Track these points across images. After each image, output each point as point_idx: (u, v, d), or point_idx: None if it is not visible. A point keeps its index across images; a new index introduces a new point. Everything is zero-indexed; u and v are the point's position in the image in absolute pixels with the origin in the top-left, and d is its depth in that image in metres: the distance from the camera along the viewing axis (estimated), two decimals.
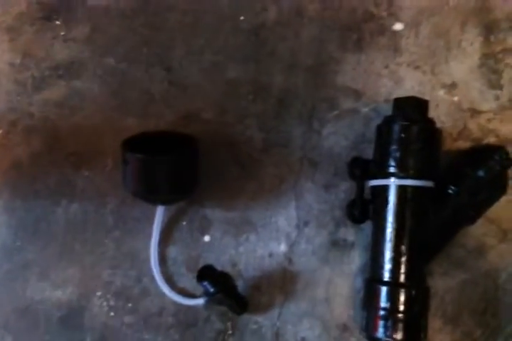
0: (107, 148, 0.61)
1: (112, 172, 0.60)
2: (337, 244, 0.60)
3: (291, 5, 0.63)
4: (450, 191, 0.56)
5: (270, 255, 0.60)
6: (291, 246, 0.60)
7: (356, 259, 0.60)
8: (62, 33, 0.63)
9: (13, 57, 0.63)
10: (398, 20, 0.63)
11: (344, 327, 0.59)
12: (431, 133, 0.56)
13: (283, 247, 0.60)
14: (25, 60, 0.63)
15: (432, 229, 0.55)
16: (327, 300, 0.59)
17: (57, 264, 0.60)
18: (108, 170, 0.61)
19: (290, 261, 0.60)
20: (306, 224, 0.60)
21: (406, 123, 0.55)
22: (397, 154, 0.54)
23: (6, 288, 0.60)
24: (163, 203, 0.57)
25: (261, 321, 0.59)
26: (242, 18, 0.63)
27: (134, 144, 0.54)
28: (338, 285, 0.59)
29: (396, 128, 0.55)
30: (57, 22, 0.63)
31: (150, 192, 0.55)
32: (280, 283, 0.59)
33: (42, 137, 0.62)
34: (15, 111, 0.62)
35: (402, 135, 0.55)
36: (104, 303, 0.59)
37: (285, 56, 0.63)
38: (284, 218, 0.60)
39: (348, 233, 0.60)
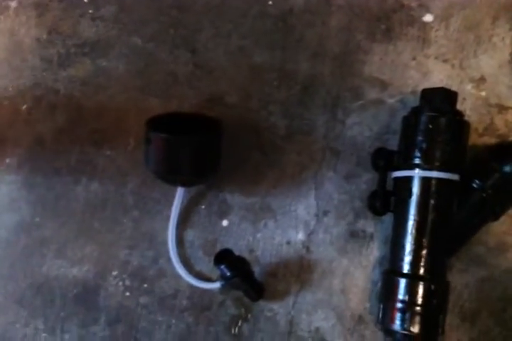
0: (129, 128, 0.61)
1: (134, 152, 0.60)
2: (356, 235, 0.59)
3: None
4: (475, 185, 0.55)
5: (288, 243, 0.59)
6: (310, 234, 0.59)
7: (375, 251, 0.59)
8: (89, 11, 0.63)
9: (40, 33, 0.63)
10: (428, 11, 0.62)
11: (359, 319, 0.58)
12: (459, 125, 0.55)
13: (301, 235, 0.59)
14: (52, 37, 0.63)
15: (455, 223, 0.54)
16: (343, 291, 0.58)
17: (74, 242, 0.60)
18: (130, 150, 0.61)
19: (308, 249, 0.59)
20: (325, 213, 0.60)
21: (434, 114, 0.54)
22: (424, 145, 0.53)
23: (22, 264, 0.60)
24: (183, 184, 0.57)
25: (276, 309, 0.58)
26: (270, 2, 0.63)
27: (158, 124, 0.54)
28: (354, 277, 0.59)
29: (424, 119, 0.54)
30: (85, 0, 0.63)
31: (171, 172, 0.55)
32: (297, 272, 0.59)
33: (65, 114, 0.62)
34: (39, 87, 0.62)
35: (430, 126, 0.54)
36: (120, 283, 0.59)
37: (312, 43, 0.62)
38: (304, 206, 0.60)
39: (368, 224, 0.59)
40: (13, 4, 0.63)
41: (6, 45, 0.63)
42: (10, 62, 0.62)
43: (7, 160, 0.61)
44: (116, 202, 0.60)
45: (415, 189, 0.54)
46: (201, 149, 0.54)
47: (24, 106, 0.62)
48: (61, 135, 0.61)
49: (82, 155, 0.61)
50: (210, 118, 0.57)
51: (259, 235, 0.59)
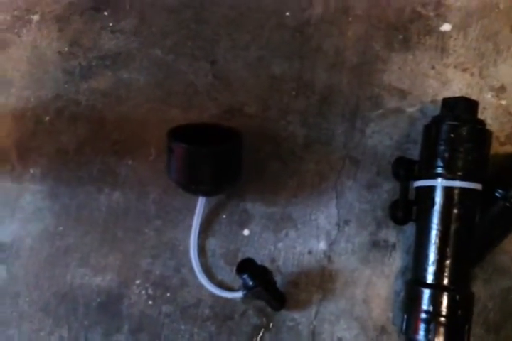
0: (150, 138, 0.61)
1: (155, 162, 0.61)
2: (378, 245, 0.59)
3: (337, 2, 0.63)
4: (498, 195, 0.54)
5: (309, 252, 0.59)
6: (331, 244, 0.59)
7: (397, 261, 0.58)
8: (110, 24, 0.64)
9: (62, 46, 0.64)
10: (446, 21, 0.62)
11: (382, 329, 0.58)
12: (481, 134, 0.55)
13: (322, 245, 0.59)
14: (73, 49, 0.64)
15: (478, 232, 0.54)
16: (365, 300, 0.58)
17: (97, 251, 0.60)
18: (151, 160, 0.61)
19: (329, 259, 0.59)
20: (346, 222, 0.59)
21: (456, 123, 0.54)
22: (446, 155, 0.53)
23: (47, 272, 0.60)
24: (204, 194, 0.57)
25: (298, 318, 0.58)
26: (287, 14, 0.63)
27: (180, 134, 0.54)
28: (377, 286, 0.58)
29: (445, 128, 0.54)
30: (106, 13, 0.64)
31: (192, 182, 0.55)
32: (318, 281, 0.59)
33: (87, 125, 0.62)
34: (62, 98, 0.63)
35: (452, 135, 0.53)
36: (143, 292, 0.59)
37: (330, 53, 0.62)
38: (325, 216, 0.60)
39: (390, 234, 0.59)
40: (36, 18, 0.65)
41: (28, 57, 0.64)
42: (32, 75, 0.64)
43: (31, 170, 0.62)
44: (138, 211, 0.60)
45: (438, 198, 0.53)
46: (222, 159, 0.54)
47: (47, 118, 0.63)
48: (83, 145, 0.62)
49: (104, 165, 0.61)
50: (230, 129, 0.57)
51: (280, 244, 0.59)
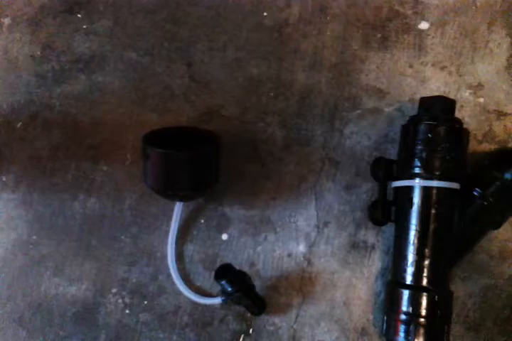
0: (126, 143, 0.60)
1: (131, 168, 0.60)
2: (357, 246, 0.59)
3: (314, 1, 0.62)
4: (476, 193, 0.54)
5: (289, 255, 0.59)
6: (311, 246, 0.59)
7: (376, 262, 0.58)
8: (83, 26, 0.63)
9: (34, 50, 0.63)
10: (424, 19, 0.62)
11: (363, 331, 0.57)
12: (458, 133, 0.54)
13: (302, 247, 0.59)
14: (46, 53, 0.63)
15: (457, 232, 0.54)
16: (346, 303, 0.58)
17: (72, 259, 0.59)
18: (127, 165, 0.60)
19: (309, 262, 0.58)
20: (326, 224, 0.59)
21: (433, 123, 0.53)
22: (423, 155, 0.53)
23: (20, 283, 0.59)
24: (181, 199, 0.56)
25: (278, 323, 0.58)
26: (265, 14, 0.62)
27: (155, 139, 0.53)
28: (357, 288, 0.58)
29: (422, 128, 0.54)
30: (79, 15, 0.63)
31: (169, 188, 0.54)
32: (298, 285, 0.58)
33: (61, 131, 0.61)
34: (34, 103, 0.62)
35: (429, 135, 0.53)
36: (120, 300, 0.58)
37: (308, 54, 0.62)
38: (304, 218, 0.59)
39: (369, 235, 0.59)
40: (7, 21, 0.63)
41: (0, 62, 0.63)
42: (4, 80, 0.62)
43: (3, 178, 0.61)
44: (114, 218, 0.60)
45: (416, 199, 0.53)
46: (199, 164, 0.53)
47: (19, 124, 0.62)
48: (57, 151, 0.61)
49: (78, 171, 0.60)
50: (208, 132, 0.56)
51: (259, 248, 0.59)
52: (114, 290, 0.59)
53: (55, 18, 0.63)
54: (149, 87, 0.62)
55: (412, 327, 0.51)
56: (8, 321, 0.59)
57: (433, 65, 0.61)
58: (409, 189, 0.54)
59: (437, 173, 0.53)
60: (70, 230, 0.59)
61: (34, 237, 0.60)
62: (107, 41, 0.62)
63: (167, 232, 0.57)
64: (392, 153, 0.59)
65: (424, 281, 0.52)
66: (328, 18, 0.62)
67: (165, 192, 0.55)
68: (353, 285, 0.58)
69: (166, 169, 0.53)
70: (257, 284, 0.57)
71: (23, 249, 0.60)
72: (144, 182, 0.55)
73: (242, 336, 0.58)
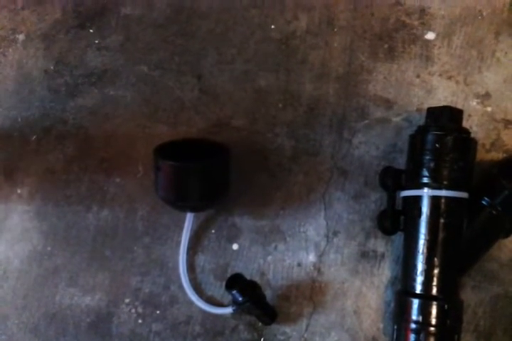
0: (138, 155, 0.61)
1: (143, 179, 0.61)
2: (367, 255, 0.59)
3: (321, 14, 0.63)
4: (484, 202, 0.54)
5: (299, 264, 0.59)
6: (320, 256, 0.59)
7: (386, 271, 0.58)
8: (95, 41, 0.64)
9: (48, 65, 0.64)
10: (430, 29, 0.63)
11: (373, 340, 0.58)
12: (466, 143, 0.55)
13: (312, 257, 0.59)
14: (59, 68, 0.64)
15: (466, 241, 0.54)
16: (356, 312, 0.58)
17: (86, 270, 0.60)
18: (139, 177, 0.61)
19: (319, 271, 0.59)
20: (335, 234, 0.60)
21: (441, 133, 0.54)
22: (431, 164, 0.53)
23: (35, 293, 0.60)
24: (192, 210, 0.57)
25: (289, 332, 0.58)
26: (272, 27, 0.63)
27: (166, 151, 0.54)
28: (367, 297, 0.58)
29: (430, 138, 0.54)
30: (91, 30, 0.65)
31: (181, 199, 0.55)
32: (309, 294, 0.59)
33: (75, 144, 0.63)
34: (48, 117, 0.63)
35: (437, 145, 0.54)
36: (133, 310, 0.59)
37: (315, 65, 0.62)
38: (313, 227, 0.60)
39: (378, 244, 0.59)
40: (21, 37, 0.65)
41: (14, 77, 0.64)
42: (19, 94, 0.64)
43: (18, 191, 0.62)
44: (126, 229, 0.61)
45: (425, 208, 0.53)
46: (209, 175, 0.54)
47: (33, 137, 0.63)
48: (71, 164, 0.62)
49: (92, 183, 0.62)
50: (217, 144, 0.57)
51: (269, 258, 0.59)
52: (127, 300, 0.59)
53: (67, 33, 0.65)
54: (160, 100, 0.63)
55: (422, 336, 0.51)
56: (24, 331, 0.60)
57: (440, 74, 0.62)
58: (418, 198, 0.54)
59: (445, 183, 0.53)
60: (83, 241, 0.61)
61: (49, 248, 0.61)
62: (118, 55, 0.64)
63: (179, 243, 0.58)
64: (401, 162, 0.59)
65: (434, 290, 0.52)
66: (335, 29, 0.63)
67: (176, 203, 0.56)
68: (363, 295, 0.58)
69: (177, 181, 0.54)
70: (268, 293, 0.58)
71: (38, 260, 0.61)
72: (155, 194, 0.56)
73: None
